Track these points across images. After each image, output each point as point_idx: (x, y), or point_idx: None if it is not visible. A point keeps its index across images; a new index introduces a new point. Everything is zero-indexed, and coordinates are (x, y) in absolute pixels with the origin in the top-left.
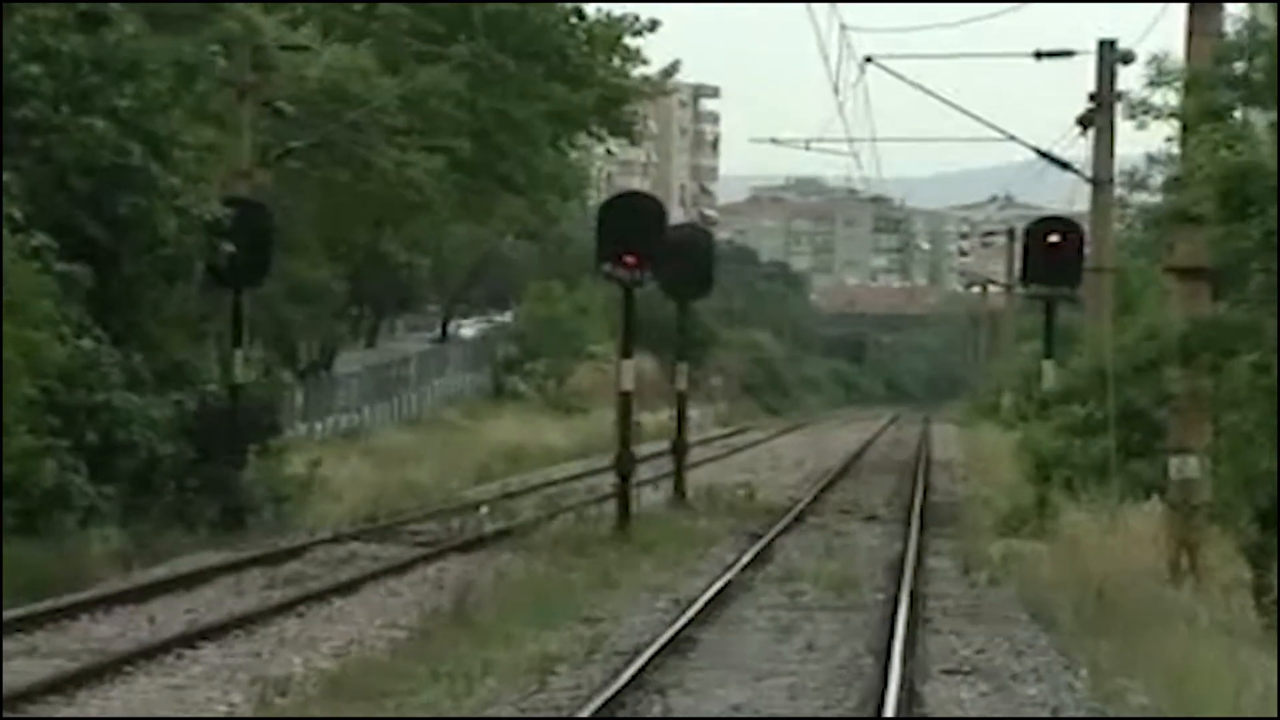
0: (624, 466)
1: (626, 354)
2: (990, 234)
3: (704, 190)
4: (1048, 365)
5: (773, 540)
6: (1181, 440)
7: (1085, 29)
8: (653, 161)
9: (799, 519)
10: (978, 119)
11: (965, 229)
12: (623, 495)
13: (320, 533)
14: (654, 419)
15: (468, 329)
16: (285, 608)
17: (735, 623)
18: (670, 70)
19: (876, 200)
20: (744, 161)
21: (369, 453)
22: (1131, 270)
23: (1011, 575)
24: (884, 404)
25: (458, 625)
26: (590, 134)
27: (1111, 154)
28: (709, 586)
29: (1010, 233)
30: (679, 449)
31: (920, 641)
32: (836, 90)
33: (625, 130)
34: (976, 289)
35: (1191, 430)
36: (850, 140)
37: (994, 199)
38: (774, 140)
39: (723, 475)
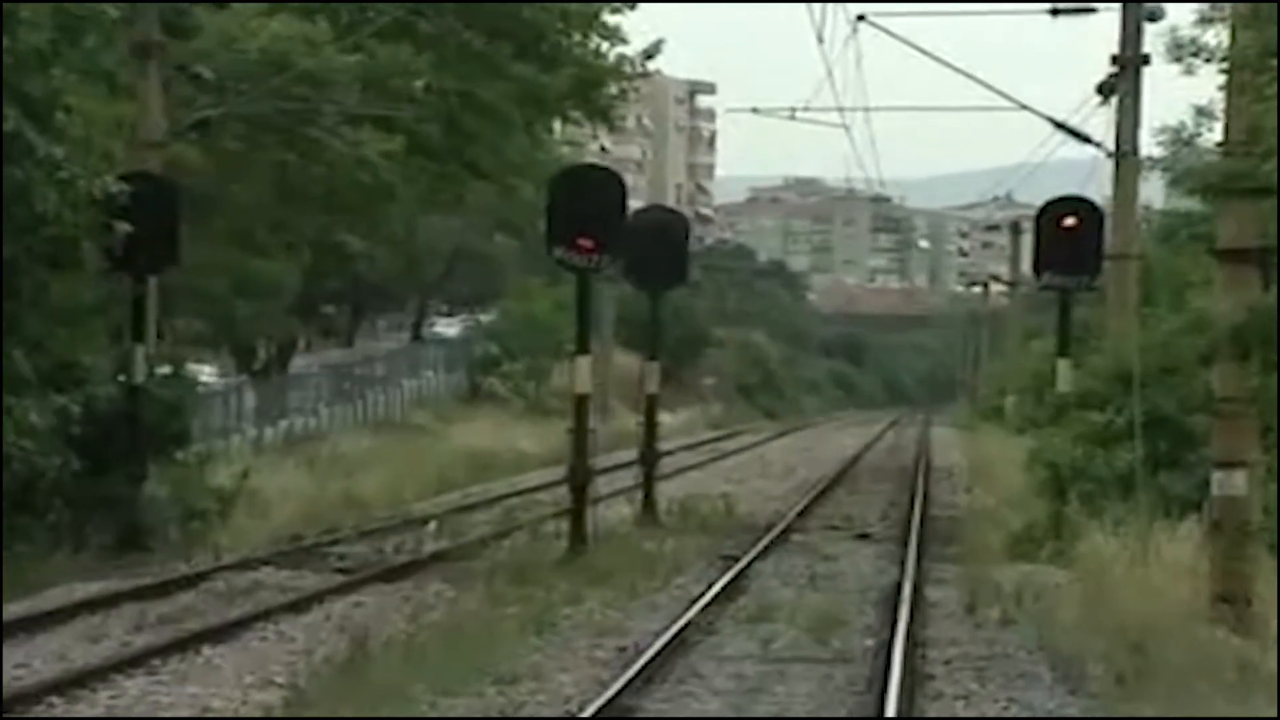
0: (579, 480)
1: (582, 349)
2: (993, 228)
3: (700, 189)
4: (1063, 365)
5: (749, 565)
6: (1228, 451)
7: None
8: (648, 159)
9: (782, 537)
10: (985, 85)
11: (964, 228)
12: (577, 514)
13: (231, 556)
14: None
15: (450, 327)
16: (139, 660)
17: (689, 682)
18: (652, 51)
19: (875, 200)
20: (742, 162)
21: (317, 460)
22: (1157, 257)
23: (1027, 613)
24: (883, 406)
25: (345, 685)
26: (566, 119)
27: (1137, 123)
28: (664, 630)
29: (1014, 225)
30: (648, 459)
31: (918, 708)
32: (821, 39)
33: (604, 114)
34: (977, 288)
35: (1239, 439)
36: (840, 110)
37: (994, 198)
38: (755, 110)
39: (705, 484)
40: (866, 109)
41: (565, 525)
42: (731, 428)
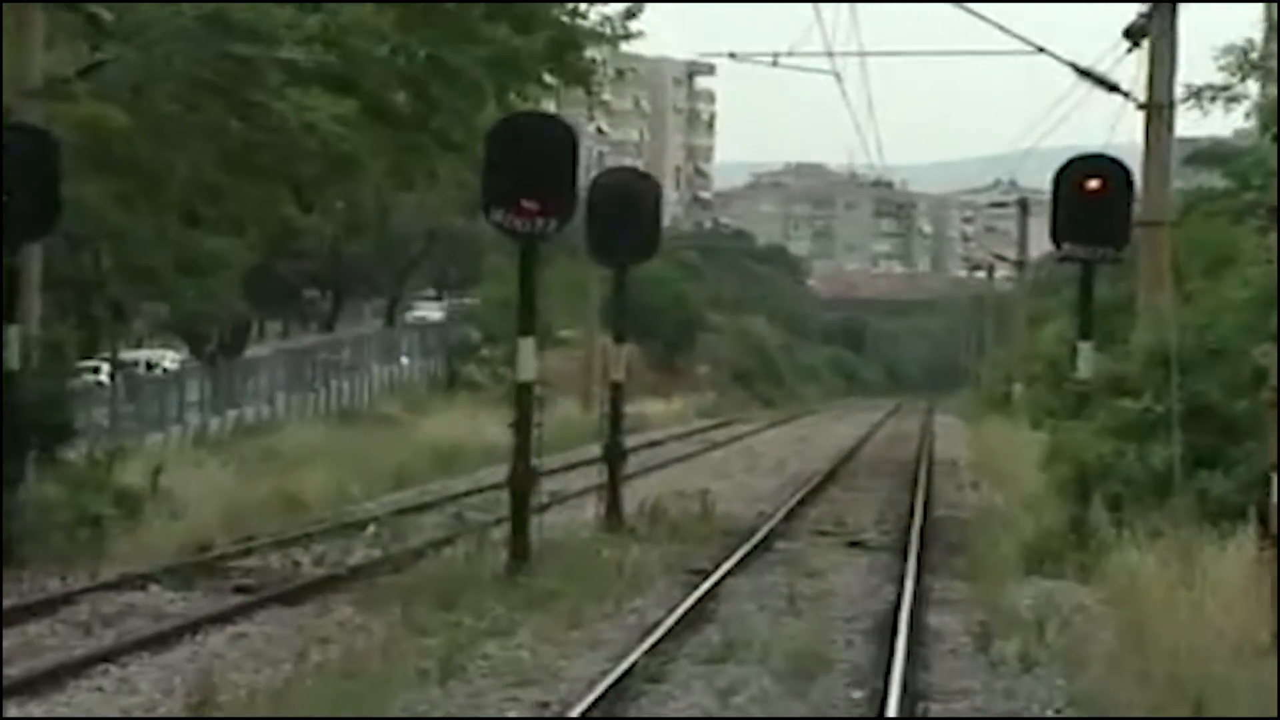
0: (520, 485)
1: (525, 330)
2: (999, 205)
3: (699, 171)
4: (1085, 349)
5: (721, 582)
6: None
7: None
8: (645, 142)
9: (764, 545)
10: (1000, 28)
11: (968, 213)
12: (518, 523)
13: (114, 572)
14: (634, 411)
15: (434, 311)
16: None
17: None
18: (633, 10)
19: (878, 184)
20: (743, 147)
21: (256, 455)
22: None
23: (1052, 650)
24: (884, 394)
25: None
26: (542, 85)
27: (1173, 69)
28: (602, 675)
29: (1022, 203)
30: (613, 456)
31: None
32: None
33: (582, 80)
34: (981, 273)
35: None
36: (830, 55)
37: (997, 182)
38: (732, 55)
39: (687, 480)
40: (861, 53)
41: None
42: (725, 416)
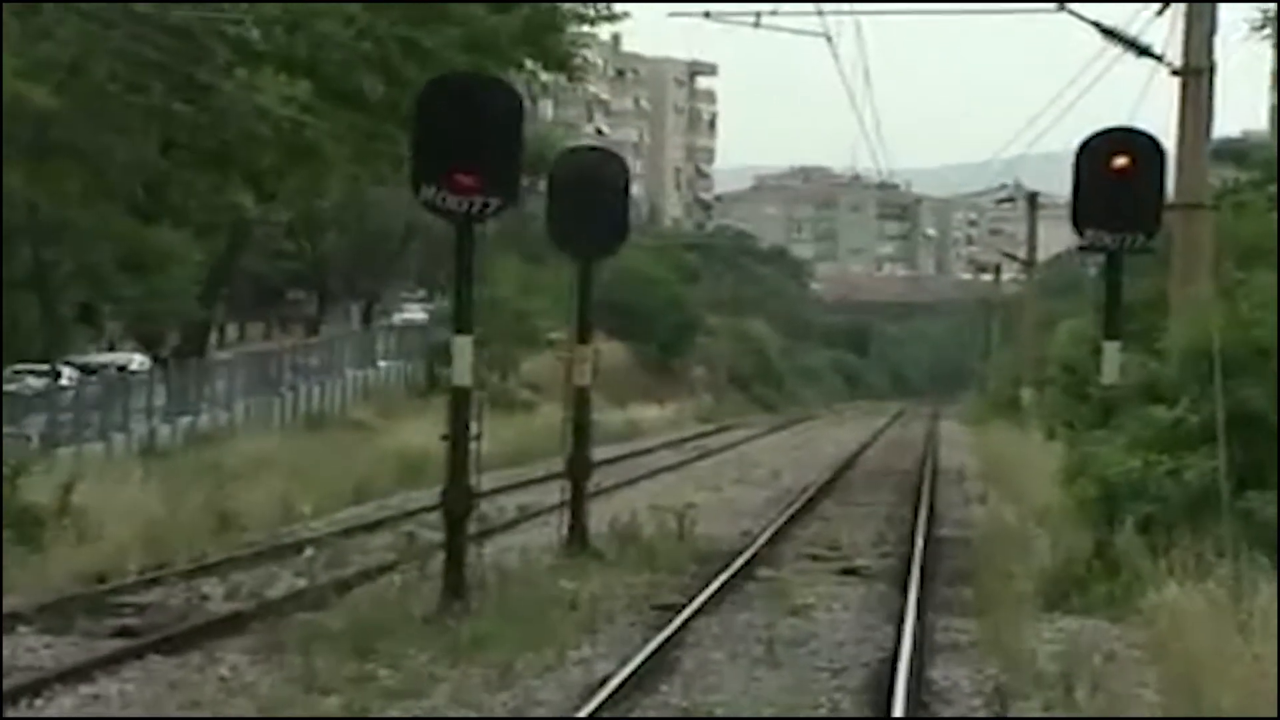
0: (455, 508)
1: (461, 328)
2: (1006, 201)
3: (700, 172)
4: (1111, 350)
5: (690, 621)
6: None
7: None
8: (645, 142)
9: (745, 573)
10: None
11: (973, 215)
12: (452, 554)
13: None
14: (625, 416)
15: (419, 313)
16: None
17: None
18: None
19: (882, 186)
20: (747, 151)
21: (206, 467)
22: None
23: (1082, 713)
24: (887, 397)
25: None
26: (520, 68)
27: (1212, 28)
28: None
29: (1032, 197)
30: (576, 472)
31: None
32: None
33: (563, 64)
34: (987, 276)
35: None
36: (821, 12)
37: (1002, 186)
38: (707, 15)
39: (672, 492)
40: (853, 12)
41: (488, 546)
42: (722, 422)
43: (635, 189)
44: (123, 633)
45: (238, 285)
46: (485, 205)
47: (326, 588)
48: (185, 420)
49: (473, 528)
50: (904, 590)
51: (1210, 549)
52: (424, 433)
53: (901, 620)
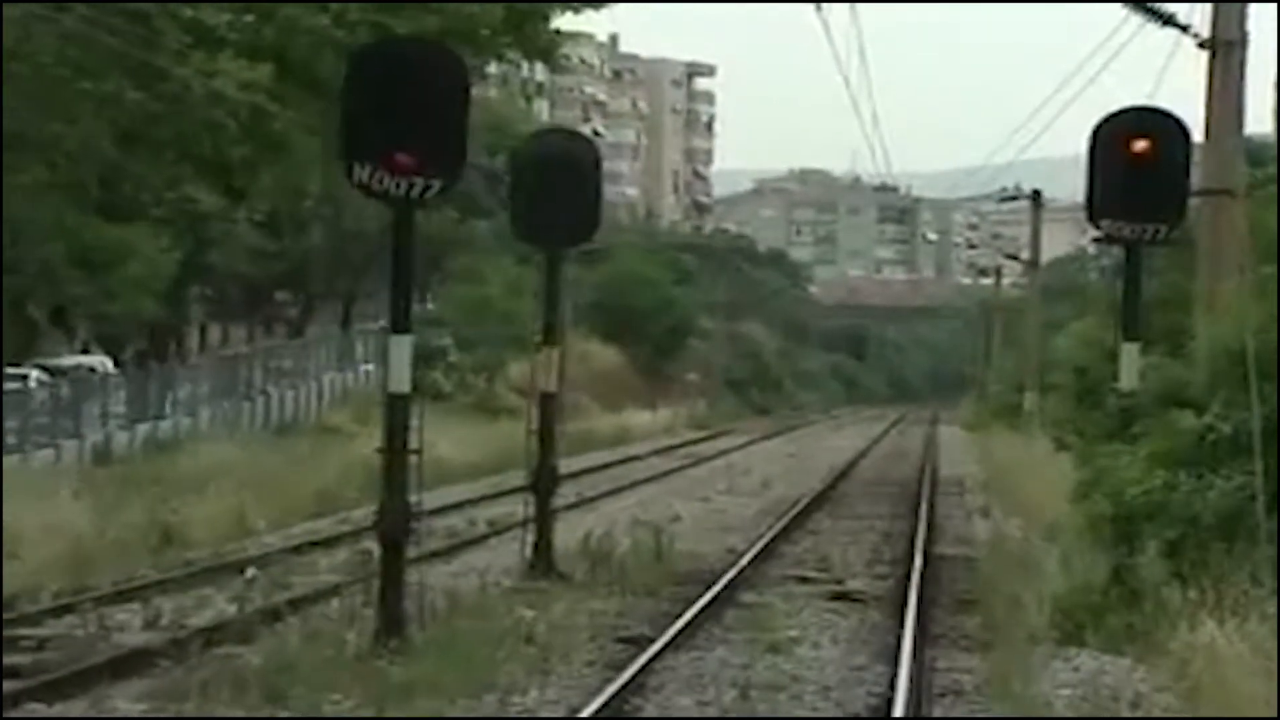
0: (390, 531)
1: (399, 327)
2: (1010, 199)
3: (698, 174)
4: (1130, 353)
5: (657, 658)
6: None
7: None
8: (642, 144)
9: (725, 598)
10: None
11: (973, 219)
12: (389, 581)
13: None
14: (616, 422)
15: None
16: None
17: None
18: None
19: (882, 189)
20: (746, 155)
21: (158, 477)
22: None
23: None
24: (886, 402)
25: None
26: (500, 58)
27: None
28: None
29: (1036, 193)
30: (541, 486)
31: None
32: None
33: (544, 54)
34: (988, 279)
35: None
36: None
37: (1003, 189)
38: None
39: (655, 504)
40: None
41: (452, 566)
42: (716, 427)
43: (631, 190)
44: (7, 675)
45: (221, 286)
46: (427, 187)
47: (259, 615)
48: (145, 426)
49: (442, 543)
50: (900, 619)
51: (1246, 577)
52: None
53: (897, 658)
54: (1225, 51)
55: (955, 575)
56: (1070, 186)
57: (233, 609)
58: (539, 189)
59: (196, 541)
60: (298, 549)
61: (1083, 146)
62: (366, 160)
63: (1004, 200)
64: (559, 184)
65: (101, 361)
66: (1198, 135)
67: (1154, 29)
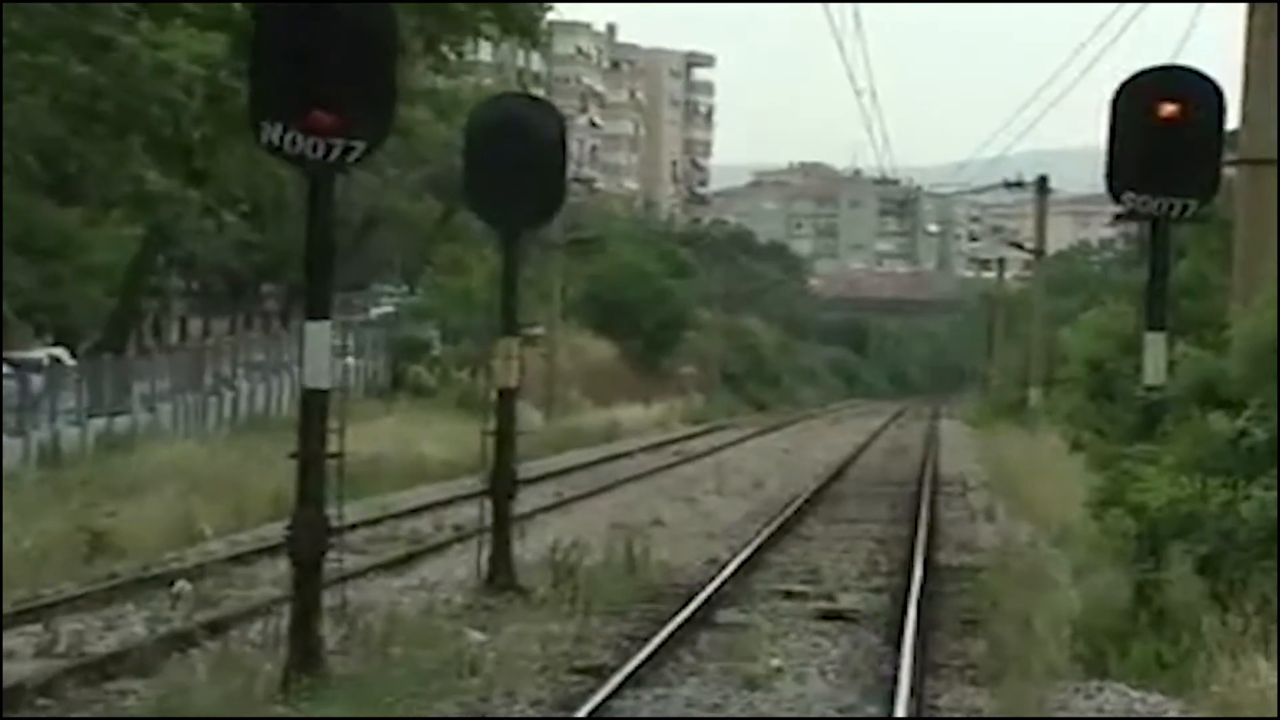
0: (306, 548)
1: (316, 313)
2: (1015, 185)
3: (696, 165)
4: (1156, 344)
5: (615, 695)
6: None
7: None
8: (641, 134)
9: (701, 618)
10: None
11: (975, 212)
12: (303, 609)
13: None
14: (607, 417)
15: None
16: None
17: None
18: None
19: (883, 181)
20: (746, 148)
21: (98, 478)
22: None
23: None
24: (886, 397)
25: None
26: (480, 35)
27: None
28: None
29: (1042, 180)
30: (498, 492)
31: None
32: None
33: (526, 31)
34: (990, 273)
35: None
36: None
37: (1005, 182)
38: None
39: (640, 505)
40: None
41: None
42: (711, 422)
43: (631, 184)
44: None
45: (203, 278)
46: (348, 149)
47: (172, 640)
48: (100, 422)
49: (401, 550)
50: (897, 644)
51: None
52: (377, 436)
53: (894, 691)
54: (1265, 11)
55: (959, 589)
56: (1062, 179)
57: (144, 632)
58: (496, 162)
59: (132, 549)
60: (241, 558)
61: (1071, 140)
62: (278, 119)
63: (1010, 185)
64: (516, 155)
65: (57, 354)
66: (1233, 98)
67: (1159, 20)
